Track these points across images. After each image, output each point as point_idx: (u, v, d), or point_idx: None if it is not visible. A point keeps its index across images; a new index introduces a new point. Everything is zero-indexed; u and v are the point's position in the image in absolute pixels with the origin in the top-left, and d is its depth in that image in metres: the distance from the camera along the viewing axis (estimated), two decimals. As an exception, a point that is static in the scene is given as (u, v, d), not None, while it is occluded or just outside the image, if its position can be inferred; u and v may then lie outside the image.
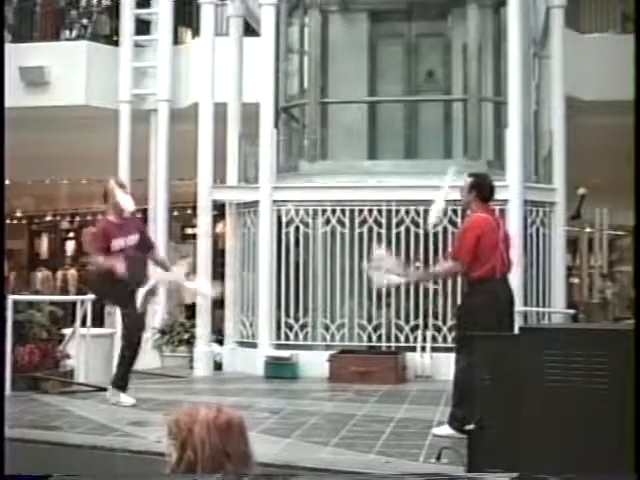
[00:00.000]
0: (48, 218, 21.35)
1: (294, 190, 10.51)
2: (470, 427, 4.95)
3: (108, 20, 14.11)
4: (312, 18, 10.95)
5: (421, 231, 9.89)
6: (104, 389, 8.01)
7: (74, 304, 9.58)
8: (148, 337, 11.24)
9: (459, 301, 8.08)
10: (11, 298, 8.67)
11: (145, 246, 7.98)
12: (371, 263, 7.05)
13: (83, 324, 9.18)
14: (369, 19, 11.28)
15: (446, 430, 6.24)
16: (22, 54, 12.56)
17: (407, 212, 10.02)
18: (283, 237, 10.32)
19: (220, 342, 10.91)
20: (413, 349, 9.88)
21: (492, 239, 6.46)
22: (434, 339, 9.88)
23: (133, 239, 7.79)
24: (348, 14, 11.38)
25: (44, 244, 21.55)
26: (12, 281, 16.33)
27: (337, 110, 11.18)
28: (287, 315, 10.25)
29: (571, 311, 10.81)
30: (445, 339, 9.76)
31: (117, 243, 7.68)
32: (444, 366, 8.64)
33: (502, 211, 9.55)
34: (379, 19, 11.28)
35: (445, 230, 9.84)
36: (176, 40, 13.32)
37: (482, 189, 6.59)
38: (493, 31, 10.90)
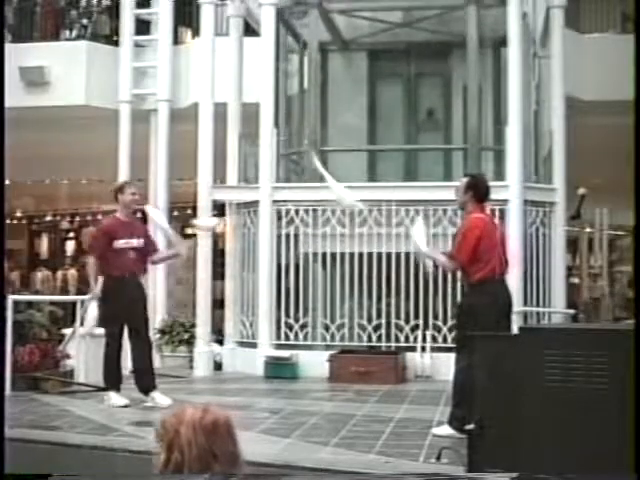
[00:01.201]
0: (48, 218, 21.33)
1: (294, 190, 10.52)
2: (470, 427, 4.95)
3: (108, 20, 14.09)
4: (312, 57, 10.90)
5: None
6: (104, 389, 8.02)
7: (74, 304, 9.58)
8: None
9: (459, 301, 8.06)
10: (11, 298, 8.67)
11: (149, 249, 8.03)
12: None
13: (83, 324, 9.18)
14: (369, 58, 11.32)
15: (446, 430, 6.24)
16: (22, 54, 12.55)
17: (407, 212, 10.03)
18: (283, 237, 10.32)
19: (220, 342, 10.91)
20: (413, 349, 9.88)
21: (491, 240, 6.47)
22: (434, 339, 9.88)
23: (137, 241, 7.83)
24: (348, 53, 11.44)
25: (44, 244, 21.53)
26: (12, 281, 16.31)
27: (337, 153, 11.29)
28: (287, 315, 10.25)
29: (571, 311, 10.81)
30: (445, 339, 9.76)
31: (119, 243, 7.72)
32: (444, 366, 8.64)
33: (502, 211, 9.60)
34: (379, 58, 11.27)
35: (445, 230, 9.85)
36: (176, 40, 13.31)
37: (478, 189, 6.59)
38: (493, 71, 10.90)
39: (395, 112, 11.29)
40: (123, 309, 7.70)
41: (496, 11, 10.51)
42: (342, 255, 10.19)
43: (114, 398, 7.77)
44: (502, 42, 10.38)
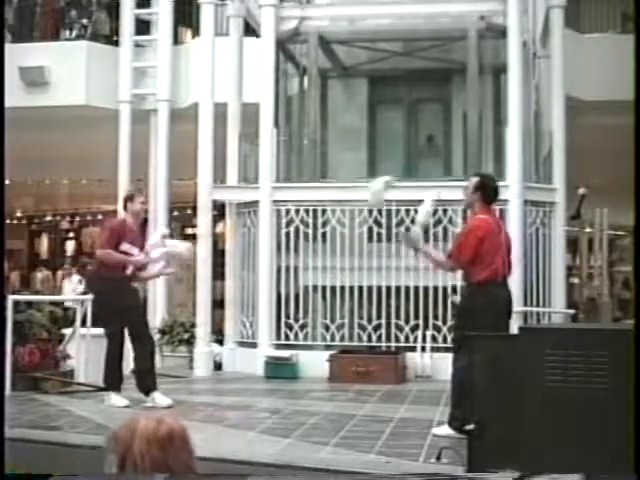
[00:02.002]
0: (48, 218, 21.37)
1: (294, 190, 10.52)
2: (470, 427, 4.95)
3: (108, 20, 14.10)
4: (312, 83, 10.91)
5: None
6: (104, 389, 8.02)
7: (74, 304, 9.58)
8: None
9: (457, 301, 8.02)
10: (11, 298, 8.67)
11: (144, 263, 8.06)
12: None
13: (83, 324, 9.18)
14: (369, 84, 11.31)
15: (446, 430, 6.24)
16: (22, 54, 12.56)
17: (407, 212, 10.02)
18: (283, 237, 10.32)
19: (220, 342, 10.91)
20: (413, 349, 9.88)
21: (495, 242, 6.45)
22: (434, 339, 9.88)
23: (137, 251, 7.86)
24: (348, 79, 11.45)
25: (44, 244, 21.55)
26: (12, 281, 16.33)
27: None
28: (287, 315, 10.25)
29: (571, 311, 10.81)
30: (445, 339, 9.75)
31: (125, 246, 7.77)
32: (444, 366, 8.61)
33: (502, 211, 9.60)
34: (379, 84, 11.22)
35: (445, 230, 9.86)
36: (176, 40, 13.32)
37: (487, 190, 6.55)
38: (493, 97, 10.88)
39: (395, 137, 11.26)
40: (123, 309, 7.71)
41: (496, 41, 10.55)
42: (342, 255, 10.19)
43: (114, 398, 7.77)
44: (502, 69, 10.34)
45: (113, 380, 7.83)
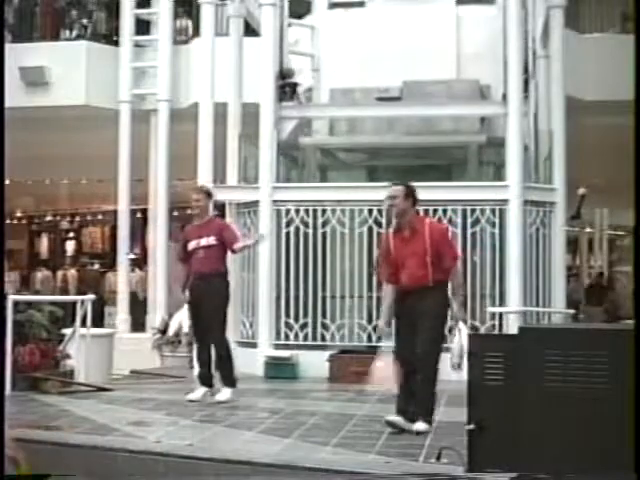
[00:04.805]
0: (48, 218, 21.36)
1: (294, 190, 10.52)
2: (470, 427, 4.95)
3: (108, 20, 14.12)
4: (311, 175, 11.04)
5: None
6: (104, 389, 8.03)
7: (74, 304, 9.58)
8: (148, 337, 11.28)
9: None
10: (11, 298, 8.67)
11: (226, 243, 8.15)
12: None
13: (83, 324, 9.18)
14: (368, 175, 11.31)
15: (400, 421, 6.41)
16: (22, 54, 12.56)
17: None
18: (283, 237, 10.32)
19: (220, 342, 10.89)
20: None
21: None
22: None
23: (207, 240, 8.00)
24: (348, 171, 11.53)
25: (44, 244, 21.54)
26: (12, 281, 16.32)
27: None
28: (287, 315, 10.25)
29: (571, 311, 10.80)
30: (445, 339, 9.73)
31: (191, 245, 8.06)
32: (444, 366, 8.61)
33: (502, 211, 9.68)
34: (378, 176, 11.17)
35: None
36: (176, 40, 13.33)
37: (415, 196, 6.71)
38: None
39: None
40: (191, 308, 7.95)
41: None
42: (342, 255, 10.19)
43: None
44: (503, 164, 10.24)
45: (204, 378, 8.07)
